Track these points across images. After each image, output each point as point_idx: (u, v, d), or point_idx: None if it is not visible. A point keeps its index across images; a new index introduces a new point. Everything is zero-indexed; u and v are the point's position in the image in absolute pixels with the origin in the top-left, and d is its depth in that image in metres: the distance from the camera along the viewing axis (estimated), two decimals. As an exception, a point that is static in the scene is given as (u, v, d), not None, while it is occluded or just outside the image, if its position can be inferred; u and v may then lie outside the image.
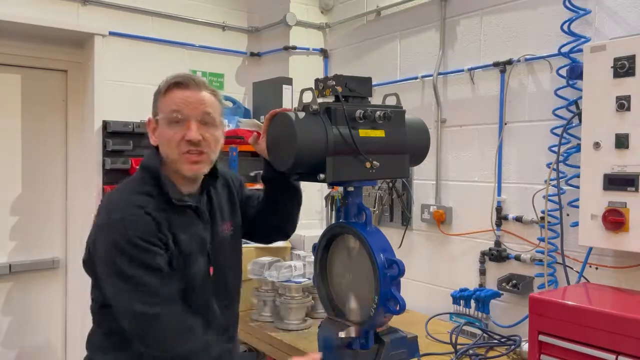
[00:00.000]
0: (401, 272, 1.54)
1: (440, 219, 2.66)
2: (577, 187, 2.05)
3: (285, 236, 1.88)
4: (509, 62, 2.39)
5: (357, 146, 1.54)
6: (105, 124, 3.04)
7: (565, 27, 2.13)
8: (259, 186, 2.95)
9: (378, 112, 1.60)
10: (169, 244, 1.45)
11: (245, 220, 1.78)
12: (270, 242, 1.93)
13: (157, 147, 1.55)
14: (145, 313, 1.39)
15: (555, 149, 2.15)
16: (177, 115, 1.48)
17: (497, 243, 2.45)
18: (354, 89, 1.63)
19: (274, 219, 1.79)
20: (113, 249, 1.41)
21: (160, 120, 1.50)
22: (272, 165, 1.66)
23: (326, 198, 3.19)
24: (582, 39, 2.09)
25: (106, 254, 1.42)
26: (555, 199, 2.16)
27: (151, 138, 1.55)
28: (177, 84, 1.50)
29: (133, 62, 3.20)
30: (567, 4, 2.12)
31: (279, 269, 2.54)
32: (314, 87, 1.65)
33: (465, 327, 2.30)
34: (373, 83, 1.73)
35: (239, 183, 1.81)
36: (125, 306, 1.42)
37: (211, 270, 1.58)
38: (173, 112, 1.48)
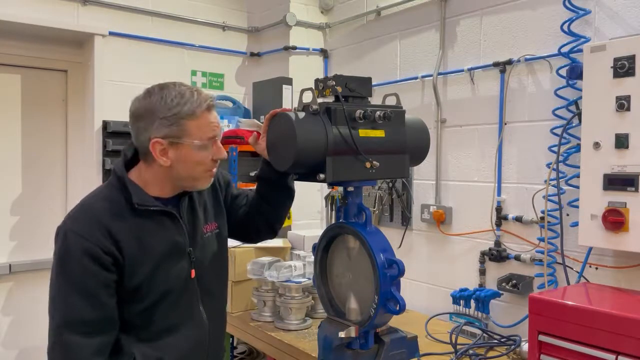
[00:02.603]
0: (401, 272, 1.54)
1: (440, 219, 2.66)
2: (577, 187, 2.05)
3: (274, 234, 1.87)
4: (509, 62, 2.39)
5: (357, 146, 1.54)
6: (105, 124, 3.04)
7: (565, 27, 2.13)
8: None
9: (378, 112, 1.60)
10: (119, 258, 1.42)
11: (233, 219, 1.76)
12: (259, 241, 1.92)
13: (135, 151, 1.53)
14: (56, 334, 1.38)
15: (555, 149, 2.15)
16: (215, 139, 1.49)
17: (497, 243, 2.45)
18: (354, 89, 1.64)
19: (265, 217, 1.78)
20: (57, 257, 1.42)
21: (192, 145, 1.45)
22: (270, 165, 1.66)
23: (326, 198, 3.20)
24: (582, 39, 2.09)
25: (54, 260, 1.43)
26: (555, 199, 2.16)
27: (160, 159, 1.45)
28: (210, 106, 1.48)
29: (133, 62, 3.20)
30: (567, 4, 2.12)
31: (279, 269, 2.54)
32: (314, 87, 1.65)
33: (465, 327, 2.30)
34: (373, 83, 1.73)
35: (225, 182, 1.78)
36: (50, 321, 1.41)
37: (193, 273, 1.56)
38: (212, 137, 1.48)
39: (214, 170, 1.54)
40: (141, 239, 1.45)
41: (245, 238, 1.90)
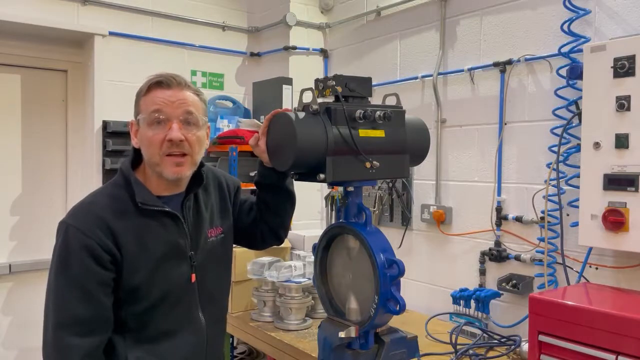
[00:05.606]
0: (401, 272, 1.54)
1: (440, 219, 2.66)
2: (577, 187, 2.05)
3: (279, 240, 1.82)
4: (509, 62, 2.40)
5: (357, 146, 1.54)
6: (105, 124, 3.04)
7: (565, 27, 2.13)
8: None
9: (378, 112, 1.60)
10: (117, 257, 1.40)
11: (240, 227, 1.73)
12: (265, 247, 1.87)
13: (137, 149, 1.51)
14: (50, 334, 1.37)
15: (555, 149, 2.15)
16: (158, 116, 1.43)
17: (497, 243, 2.45)
18: (354, 89, 1.63)
19: (268, 224, 1.75)
20: (56, 252, 1.40)
21: (141, 121, 1.45)
22: (267, 168, 1.65)
23: (326, 198, 3.19)
24: (582, 39, 2.09)
25: (53, 255, 1.42)
26: (555, 199, 2.16)
27: (133, 140, 1.50)
28: (158, 83, 1.45)
29: (133, 62, 3.20)
30: (567, 4, 2.12)
31: (279, 269, 2.54)
32: (314, 87, 1.64)
33: (465, 327, 2.31)
34: (373, 83, 1.73)
35: (234, 187, 1.75)
36: (45, 318, 1.40)
37: (193, 277, 1.52)
38: (154, 112, 1.43)
39: (176, 157, 1.44)
40: (142, 238, 1.44)
41: (251, 245, 1.86)
